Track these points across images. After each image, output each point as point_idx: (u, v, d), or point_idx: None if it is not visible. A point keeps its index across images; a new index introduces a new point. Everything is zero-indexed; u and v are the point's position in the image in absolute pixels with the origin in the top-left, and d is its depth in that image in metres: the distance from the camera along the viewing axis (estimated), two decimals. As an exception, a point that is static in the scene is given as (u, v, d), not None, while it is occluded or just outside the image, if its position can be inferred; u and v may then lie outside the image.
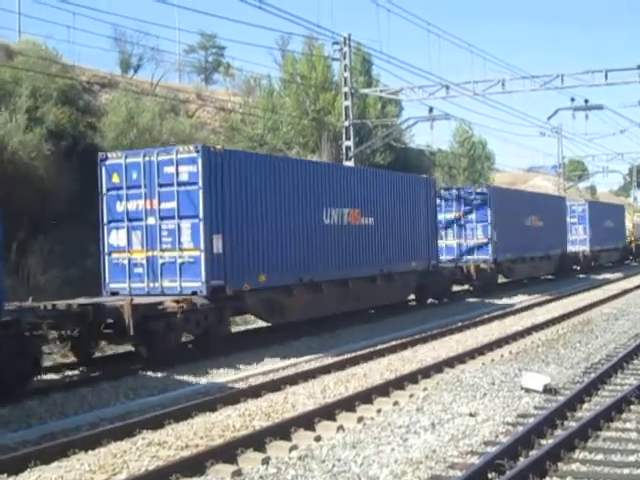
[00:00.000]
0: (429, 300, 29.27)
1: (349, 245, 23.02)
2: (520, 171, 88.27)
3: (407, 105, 51.94)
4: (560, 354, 16.82)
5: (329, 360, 16.98)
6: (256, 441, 10.14)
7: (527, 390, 12.96)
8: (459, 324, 22.65)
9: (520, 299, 31.05)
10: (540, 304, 28.71)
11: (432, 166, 58.27)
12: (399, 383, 14.00)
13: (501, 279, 36.22)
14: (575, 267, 46.89)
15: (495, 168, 71.67)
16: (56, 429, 11.52)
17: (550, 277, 42.39)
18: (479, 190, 34.57)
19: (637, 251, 62.09)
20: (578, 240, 47.69)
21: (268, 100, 42.56)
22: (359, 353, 17.65)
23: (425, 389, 13.65)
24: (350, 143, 33.76)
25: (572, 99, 34.99)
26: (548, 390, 12.82)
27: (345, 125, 33.99)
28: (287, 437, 10.59)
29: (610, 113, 68.23)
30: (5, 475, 9.16)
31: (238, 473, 9.09)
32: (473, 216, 33.73)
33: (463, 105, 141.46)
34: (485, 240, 33.36)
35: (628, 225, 60.25)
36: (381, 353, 17.74)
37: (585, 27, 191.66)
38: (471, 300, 31.18)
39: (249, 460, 9.58)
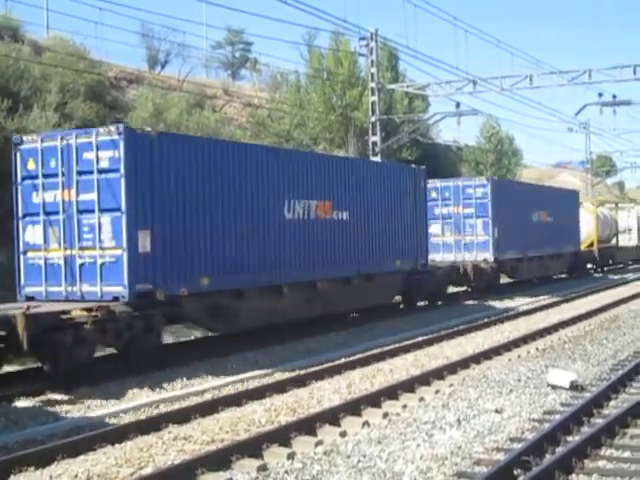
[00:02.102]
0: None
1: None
2: (548, 167, 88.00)
3: (434, 100, 51.70)
4: (587, 351, 16.71)
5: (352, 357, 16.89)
6: (281, 436, 10.16)
7: (553, 387, 12.89)
8: (485, 320, 22.56)
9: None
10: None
11: (459, 161, 58.06)
12: (425, 379, 13.98)
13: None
14: (467, 288, 30.39)
15: (522, 164, 71.32)
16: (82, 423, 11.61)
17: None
18: None
19: (603, 258, 45.15)
20: (475, 243, 30.69)
21: (295, 96, 42.62)
22: (385, 349, 17.63)
23: (451, 385, 13.63)
24: (377, 139, 33.76)
25: (600, 94, 34.67)
26: (575, 387, 12.75)
27: (372, 121, 33.98)
28: (312, 432, 10.61)
29: (639, 108, 67.89)
30: (33, 468, 9.25)
31: (263, 468, 9.10)
32: None
33: (490, 100, 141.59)
34: None
35: (587, 221, 43.12)
36: (407, 349, 17.70)
37: (614, 26, 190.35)
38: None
39: (274, 455, 9.60)
